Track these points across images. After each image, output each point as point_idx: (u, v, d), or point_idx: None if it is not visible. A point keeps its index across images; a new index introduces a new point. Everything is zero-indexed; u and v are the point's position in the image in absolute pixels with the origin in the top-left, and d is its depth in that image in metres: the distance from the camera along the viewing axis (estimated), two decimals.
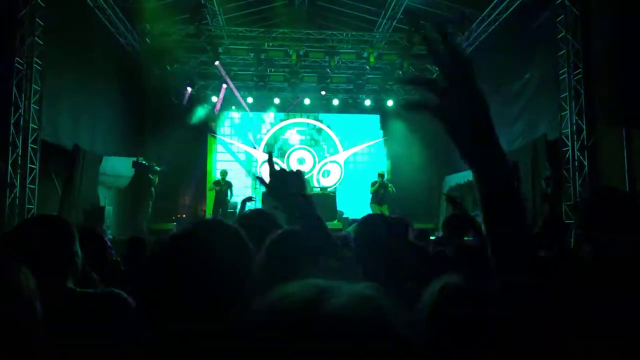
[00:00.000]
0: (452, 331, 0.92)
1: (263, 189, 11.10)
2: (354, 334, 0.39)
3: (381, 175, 10.90)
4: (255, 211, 1.98)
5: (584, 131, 7.19)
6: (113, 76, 9.36)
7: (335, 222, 9.92)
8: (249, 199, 4.22)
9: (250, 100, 12.61)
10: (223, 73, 11.01)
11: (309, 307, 0.41)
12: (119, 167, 9.16)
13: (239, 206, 10.27)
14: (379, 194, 10.48)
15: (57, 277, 1.41)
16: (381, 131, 13.58)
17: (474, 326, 0.89)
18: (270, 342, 0.40)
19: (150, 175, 8.82)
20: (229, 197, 10.55)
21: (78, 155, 8.34)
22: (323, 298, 0.42)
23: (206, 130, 12.69)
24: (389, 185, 10.72)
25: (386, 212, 10.14)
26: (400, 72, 11.19)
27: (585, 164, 7.13)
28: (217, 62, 10.38)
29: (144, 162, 8.83)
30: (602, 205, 1.50)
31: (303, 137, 13.46)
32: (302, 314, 0.41)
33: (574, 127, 7.31)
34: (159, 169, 9.09)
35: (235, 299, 0.85)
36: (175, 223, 9.97)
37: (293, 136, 13.45)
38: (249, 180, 12.99)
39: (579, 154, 7.23)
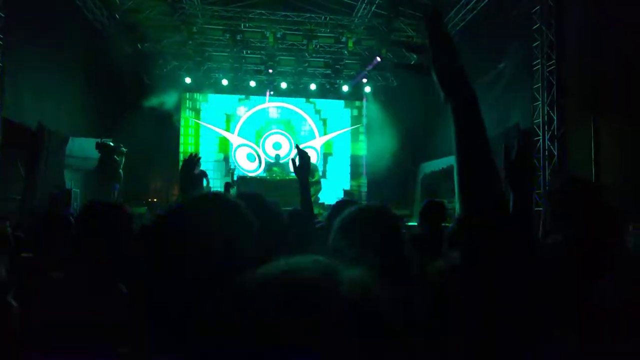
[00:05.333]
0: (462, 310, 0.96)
1: (239, 173, 10.95)
2: (358, 318, 0.43)
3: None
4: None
5: (555, 121, 7.35)
6: (80, 53, 8.99)
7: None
8: (230, 184, 4.13)
9: (225, 82, 12.34)
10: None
11: (320, 286, 0.45)
12: (86, 149, 8.85)
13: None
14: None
15: (113, 278, 1.44)
16: (357, 118, 13.60)
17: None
18: (281, 310, 0.43)
19: (116, 157, 8.53)
20: (204, 185, 10.38)
21: (43, 135, 8.02)
22: (331, 279, 0.46)
23: (178, 111, 12.39)
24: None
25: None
26: (379, 59, 11.13)
27: (555, 153, 7.31)
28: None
29: (110, 143, 8.53)
30: (572, 197, 1.53)
31: (279, 121, 13.31)
32: (315, 292, 0.44)
33: (546, 117, 7.46)
34: (125, 150, 8.79)
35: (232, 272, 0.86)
36: (146, 207, 9.75)
37: (269, 120, 13.28)
38: (222, 165, 12.80)
39: (549, 143, 7.40)
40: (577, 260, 1.34)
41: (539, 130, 7.54)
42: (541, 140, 7.49)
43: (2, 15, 6.86)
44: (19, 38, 7.20)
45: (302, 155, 2.10)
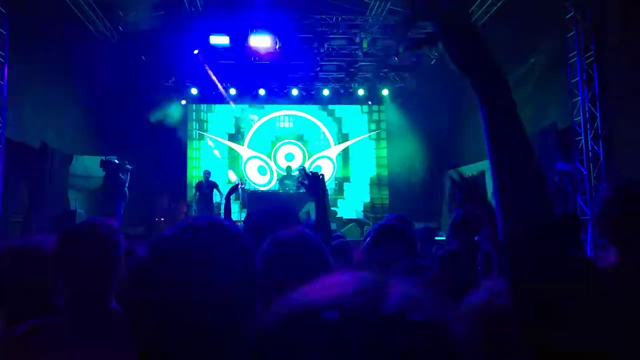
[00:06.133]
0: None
1: (249, 187, 10.42)
2: (412, 336, 0.41)
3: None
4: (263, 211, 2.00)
5: (598, 119, 6.65)
6: (83, 68, 8.67)
7: None
8: (237, 186, 4.10)
9: (232, 91, 11.88)
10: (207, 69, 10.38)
11: (368, 302, 0.42)
12: (90, 167, 8.50)
13: (223, 202, 9.64)
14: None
15: (103, 295, 1.34)
16: (375, 123, 12.93)
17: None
18: (327, 332, 0.40)
19: (121, 175, 8.14)
20: (215, 199, 9.96)
21: (46, 154, 7.72)
22: (380, 295, 0.43)
23: (185, 124, 11.98)
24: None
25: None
26: (396, 59, 10.51)
27: (600, 154, 6.60)
28: (195, 51, 9.68)
29: (114, 160, 8.14)
30: (628, 204, 1.40)
31: (291, 130, 12.73)
32: (362, 309, 0.42)
33: (587, 114, 6.77)
34: (130, 167, 8.40)
35: (239, 312, 0.77)
36: (148, 225, 9.38)
37: (281, 130, 12.73)
38: (232, 177, 12.29)
39: (593, 143, 6.70)
40: (633, 273, 1.28)
41: (580, 128, 6.83)
42: (583, 140, 6.80)
43: (4, 33, 6.54)
44: (21, 55, 6.97)
45: (310, 177, 2.10)
